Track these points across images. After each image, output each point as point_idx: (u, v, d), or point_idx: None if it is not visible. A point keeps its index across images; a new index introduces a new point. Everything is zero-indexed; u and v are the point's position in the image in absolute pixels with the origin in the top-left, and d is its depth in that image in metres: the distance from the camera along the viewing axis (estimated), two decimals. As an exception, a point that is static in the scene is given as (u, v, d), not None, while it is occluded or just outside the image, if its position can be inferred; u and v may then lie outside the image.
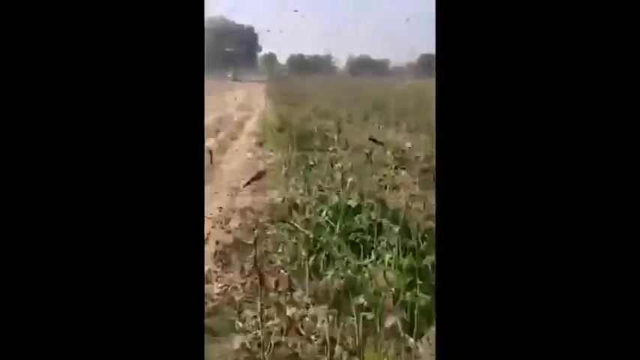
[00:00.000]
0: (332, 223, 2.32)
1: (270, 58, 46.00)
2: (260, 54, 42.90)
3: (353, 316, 1.64)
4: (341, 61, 47.91)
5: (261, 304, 1.78)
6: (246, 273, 2.10)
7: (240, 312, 1.78)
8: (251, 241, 2.47)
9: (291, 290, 1.90)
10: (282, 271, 2.06)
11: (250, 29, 39.70)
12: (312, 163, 4.14)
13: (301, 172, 3.83)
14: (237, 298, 1.89)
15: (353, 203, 2.49)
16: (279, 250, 2.28)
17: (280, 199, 3.23)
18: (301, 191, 3.06)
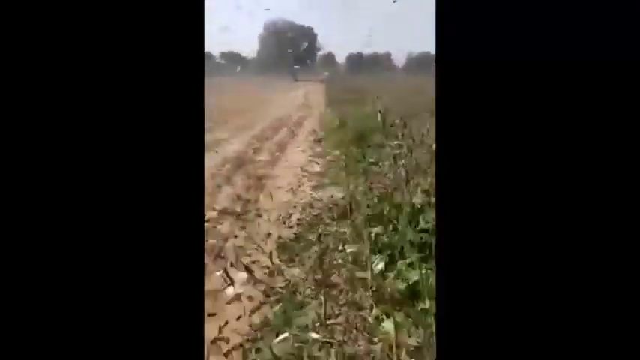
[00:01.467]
0: (395, 222, 2.25)
1: (329, 57, 46.34)
2: (319, 53, 43.32)
3: (416, 319, 1.57)
4: (400, 59, 46.88)
5: (324, 301, 1.77)
6: (308, 269, 2.10)
7: (301, 307, 1.78)
8: (312, 237, 2.49)
9: (354, 290, 1.86)
10: (342, 269, 2.03)
11: (310, 30, 40.24)
12: (372, 160, 4.10)
13: (361, 170, 3.79)
14: (299, 294, 1.89)
15: (417, 202, 2.39)
16: (340, 248, 2.26)
17: (341, 195, 3.22)
18: (361, 189, 3.02)
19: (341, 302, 1.78)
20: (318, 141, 5.83)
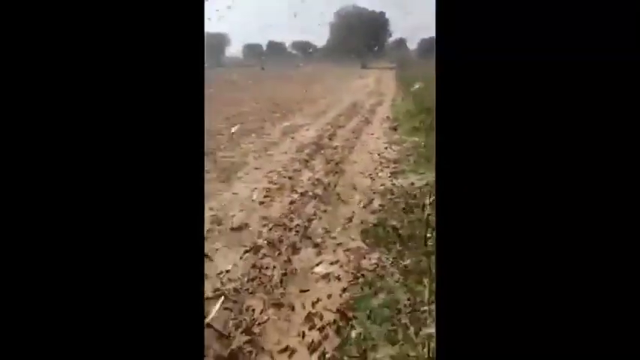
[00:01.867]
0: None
1: (401, 42, 44.89)
2: (391, 39, 42.17)
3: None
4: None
5: (408, 289, 1.76)
6: (396, 254, 2.09)
7: (388, 292, 1.78)
8: (395, 223, 2.47)
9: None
10: (424, 258, 1.99)
11: (382, 14, 39.24)
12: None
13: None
14: (385, 278, 1.89)
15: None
16: (428, 235, 2.21)
17: (423, 182, 3.15)
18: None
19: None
20: (394, 128, 5.71)
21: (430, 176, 3.33)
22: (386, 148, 4.55)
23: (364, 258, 2.09)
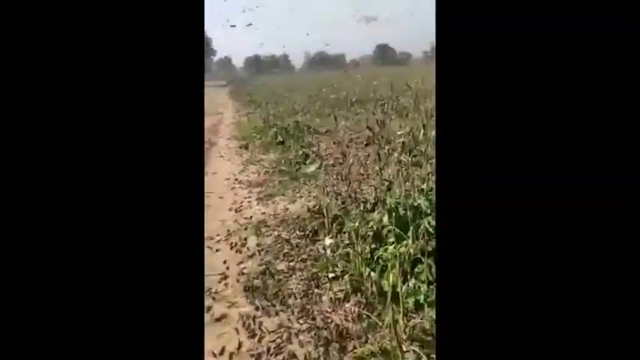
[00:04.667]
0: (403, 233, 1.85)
1: (226, 61, 44.74)
2: (215, 58, 41.56)
3: None
4: (299, 58, 47.52)
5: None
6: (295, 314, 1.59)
7: None
8: (284, 267, 1.97)
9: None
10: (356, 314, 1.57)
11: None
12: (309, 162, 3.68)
13: (302, 174, 3.35)
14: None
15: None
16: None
17: (297, 206, 2.73)
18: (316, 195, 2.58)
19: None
20: (245, 146, 5.20)
21: (303, 197, 2.95)
22: (242, 170, 4.01)
23: (260, 330, 1.52)
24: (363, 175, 3.31)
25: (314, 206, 2.55)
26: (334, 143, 4.73)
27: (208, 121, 8.57)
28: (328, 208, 2.27)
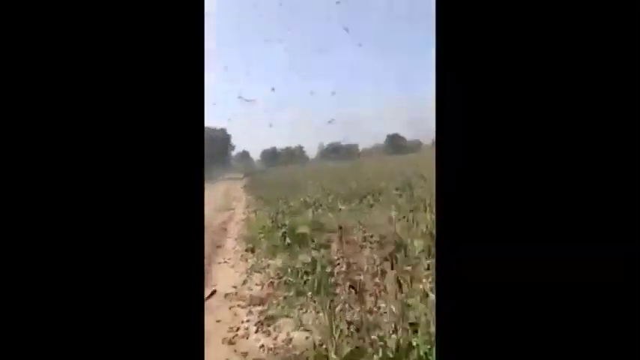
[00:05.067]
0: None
1: (244, 154, 46.95)
2: (234, 152, 43.73)
3: None
4: (313, 149, 49.61)
5: None
6: None
7: None
8: None
9: None
10: None
11: (223, 131, 40.84)
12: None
13: (315, 285, 2.96)
14: None
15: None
16: None
17: (303, 337, 2.29)
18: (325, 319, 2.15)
19: None
20: (251, 250, 4.88)
21: (310, 320, 2.52)
22: (245, 281, 3.63)
23: None
24: (379, 286, 2.89)
25: (320, 343, 2.11)
26: (347, 242, 4.38)
27: (219, 218, 8.43)
28: (338, 348, 1.84)
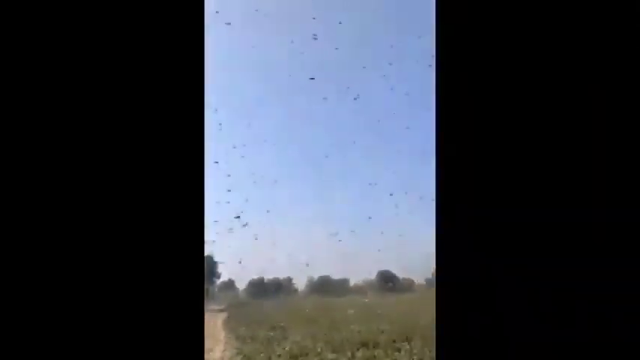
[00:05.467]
0: None
1: (229, 284, 44.91)
2: (219, 281, 41.93)
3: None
4: (302, 281, 47.92)
5: None
6: None
7: None
8: None
9: None
10: None
11: (209, 258, 39.88)
12: None
13: None
14: None
15: None
16: None
17: None
18: None
19: None
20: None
21: None
22: None
23: None
24: None
25: None
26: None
27: None
28: None
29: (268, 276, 46.82)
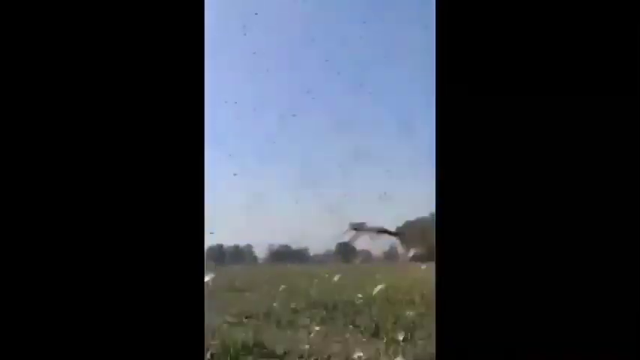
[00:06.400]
0: None
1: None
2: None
3: None
4: (263, 250, 48.22)
5: None
6: None
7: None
8: None
9: None
10: None
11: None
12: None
13: None
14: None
15: None
16: None
17: None
18: None
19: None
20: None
21: None
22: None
23: None
24: None
25: None
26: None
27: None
28: None
29: (228, 243, 46.66)
